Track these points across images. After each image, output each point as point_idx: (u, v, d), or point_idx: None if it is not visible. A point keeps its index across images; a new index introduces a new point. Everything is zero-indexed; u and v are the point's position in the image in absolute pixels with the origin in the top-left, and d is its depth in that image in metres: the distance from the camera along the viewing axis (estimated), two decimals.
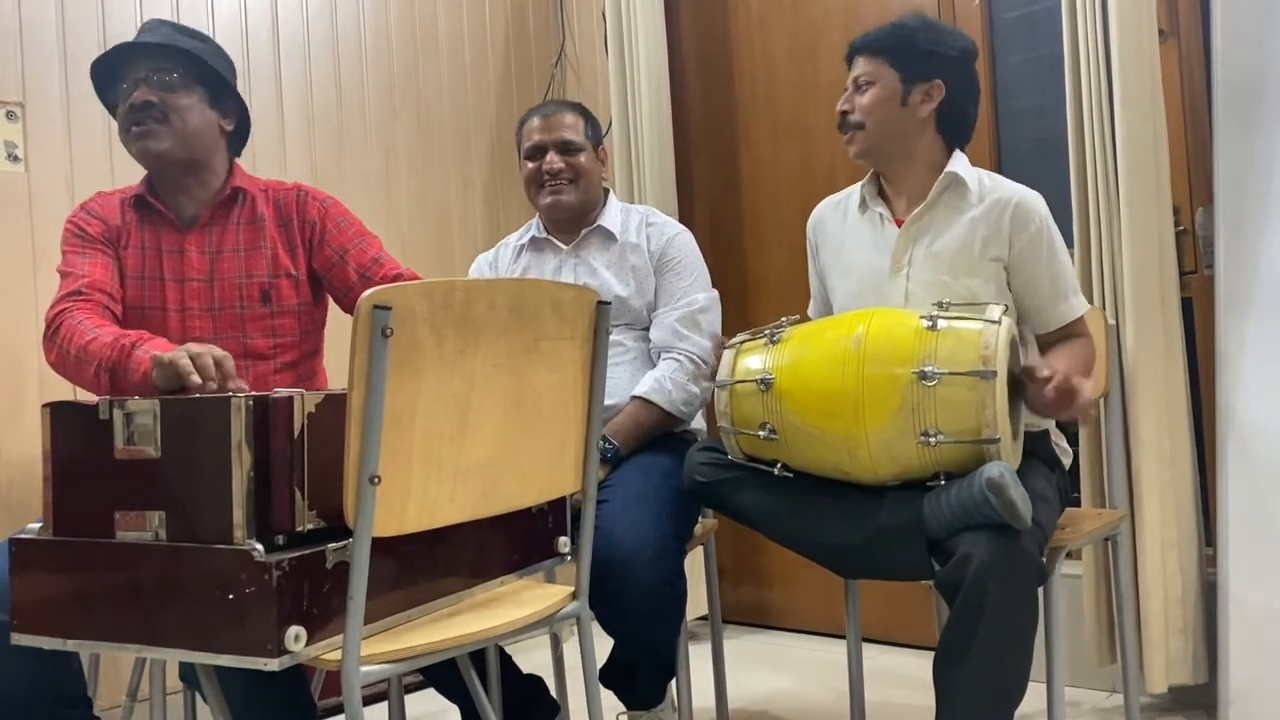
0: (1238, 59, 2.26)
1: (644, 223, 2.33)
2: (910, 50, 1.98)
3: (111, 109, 2.02)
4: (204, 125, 1.99)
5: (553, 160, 2.27)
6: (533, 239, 2.37)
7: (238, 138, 2.10)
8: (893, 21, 2.03)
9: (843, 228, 2.12)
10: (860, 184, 2.11)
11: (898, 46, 1.99)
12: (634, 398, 2.15)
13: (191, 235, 2.00)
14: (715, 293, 2.30)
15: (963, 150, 2.04)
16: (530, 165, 2.31)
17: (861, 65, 2.02)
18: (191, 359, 1.64)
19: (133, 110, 1.93)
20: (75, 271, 1.93)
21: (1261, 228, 2.22)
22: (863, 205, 2.09)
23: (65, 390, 2.36)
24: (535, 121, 2.32)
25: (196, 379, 1.62)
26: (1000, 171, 2.76)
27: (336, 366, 1.84)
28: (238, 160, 2.11)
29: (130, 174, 2.64)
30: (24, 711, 1.69)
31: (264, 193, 2.07)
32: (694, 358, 2.19)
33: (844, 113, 2.03)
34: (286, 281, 2.02)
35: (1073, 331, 2.00)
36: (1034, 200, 1.95)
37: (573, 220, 2.32)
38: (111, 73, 1.98)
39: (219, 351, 1.67)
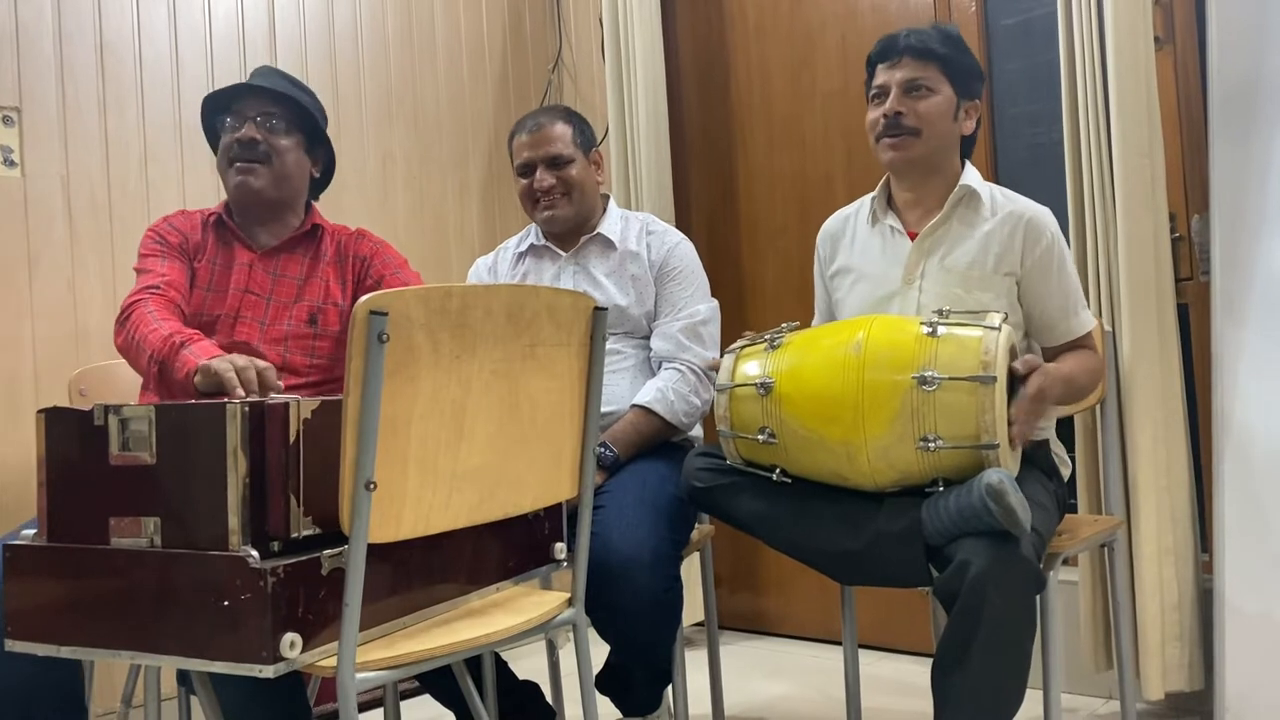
0: (1233, 66, 2.26)
1: (644, 230, 2.32)
2: (960, 64, 1.94)
3: (213, 134, 2.15)
4: (298, 169, 2.13)
5: (543, 177, 2.26)
6: (532, 246, 2.37)
7: (321, 184, 2.23)
8: (936, 27, 1.97)
9: (854, 240, 2.10)
10: (870, 196, 2.09)
11: (951, 57, 1.93)
12: (635, 406, 2.14)
13: (262, 258, 2.12)
14: (715, 303, 2.30)
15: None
16: (522, 182, 2.30)
17: (916, 68, 1.92)
18: (237, 372, 1.73)
19: (240, 146, 2.06)
20: (154, 270, 2.04)
21: (1257, 234, 2.22)
22: (872, 218, 2.07)
23: (61, 395, 2.36)
24: (523, 137, 2.30)
25: (240, 392, 1.70)
26: (997, 178, 2.77)
27: None
28: (315, 203, 2.23)
29: (126, 180, 2.65)
30: (22, 715, 1.69)
31: (331, 234, 2.19)
32: (696, 369, 2.19)
33: (898, 114, 1.92)
34: (333, 309, 2.12)
35: (1080, 345, 1.99)
36: (1045, 216, 1.95)
37: (572, 230, 2.31)
38: (220, 105, 2.11)
39: (261, 363, 1.77)
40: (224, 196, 2.17)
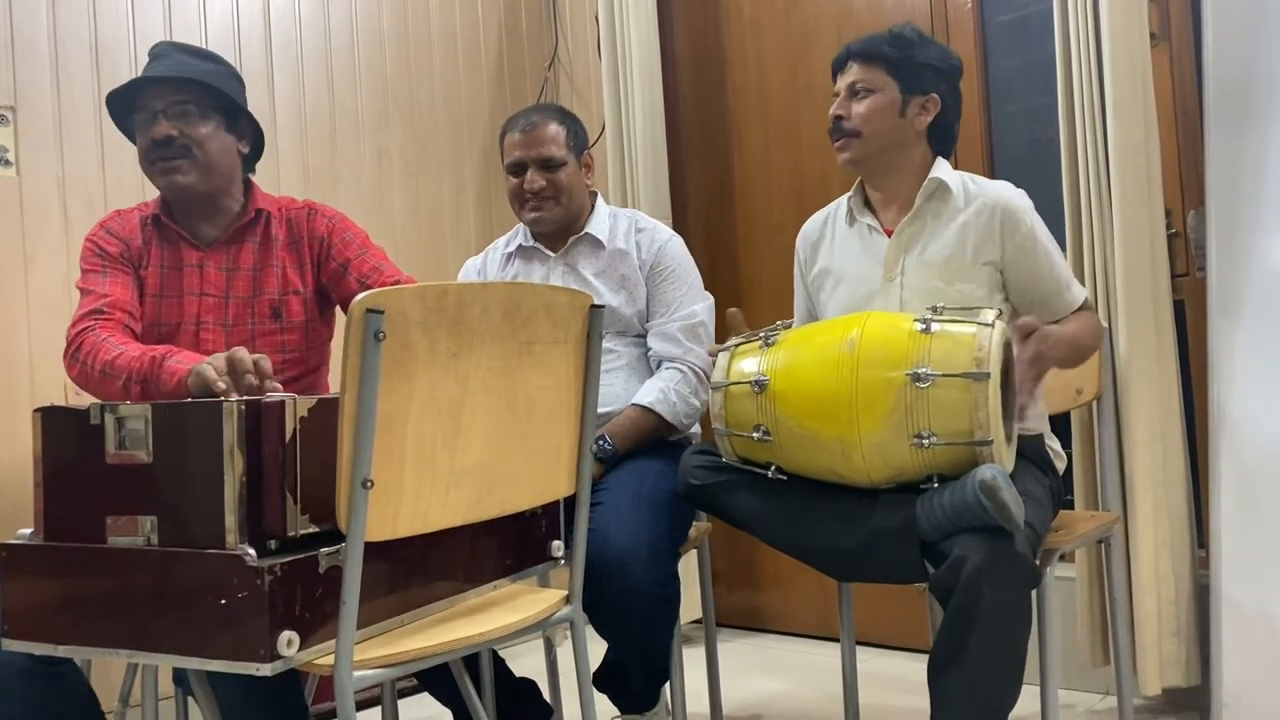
0: (1229, 62, 2.26)
1: (633, 228, 2.31)
2: (909, 62, 1.98)
3: (129, 134, 2.05)
4: (224, 153, 2.02)
5: (534, 179, 2.24)
6: (520, 247, 2.36)
7: (253, 157, 2.13)
8: (891, 30, 2.01)
9: (832, 241, 2.12)
10: (845, 197, 2.11)
11: (898, 57, 1.97)
12: (636, 405, 2.14)
13: (210, 253, 2.05)
14: (711, 300, 2.30)
15: (947, 158, 2.05)
16: (513, 181, 2.28)
17: (858, 72, 1.99)
18: (233, 377, 1.68)
19: (155, 145, 1.96)
20: (96, 290, 1.97)
21: (1253, 229, 2.23)
22: (850, 218, 2.09)
23: (57, 394, 2.35)
24: (516, 135, 2.27)
25: (234, 396, 1.65)
26: (993, 174, 2.77)
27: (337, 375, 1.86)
28: (253, 178, 2.13)
29: (122, 179, 2.65)
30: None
31: (278, 212, 2.11)
32: (697, 369, 2.19)
33: (838, 118, 2.00)
34: (295, 299, 2.07)
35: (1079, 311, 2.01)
36: (1019, 200, 1.96)
37: (559, 230, 2.30)
38: (127, 102, 2.00)
39: (257, 355, 1.71)
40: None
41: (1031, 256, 1.94)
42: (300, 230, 2.09)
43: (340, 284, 2.08)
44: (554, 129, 2.26)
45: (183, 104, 1.96)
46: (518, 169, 2.27)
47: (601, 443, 2.05)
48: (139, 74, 2.03)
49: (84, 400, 1.71)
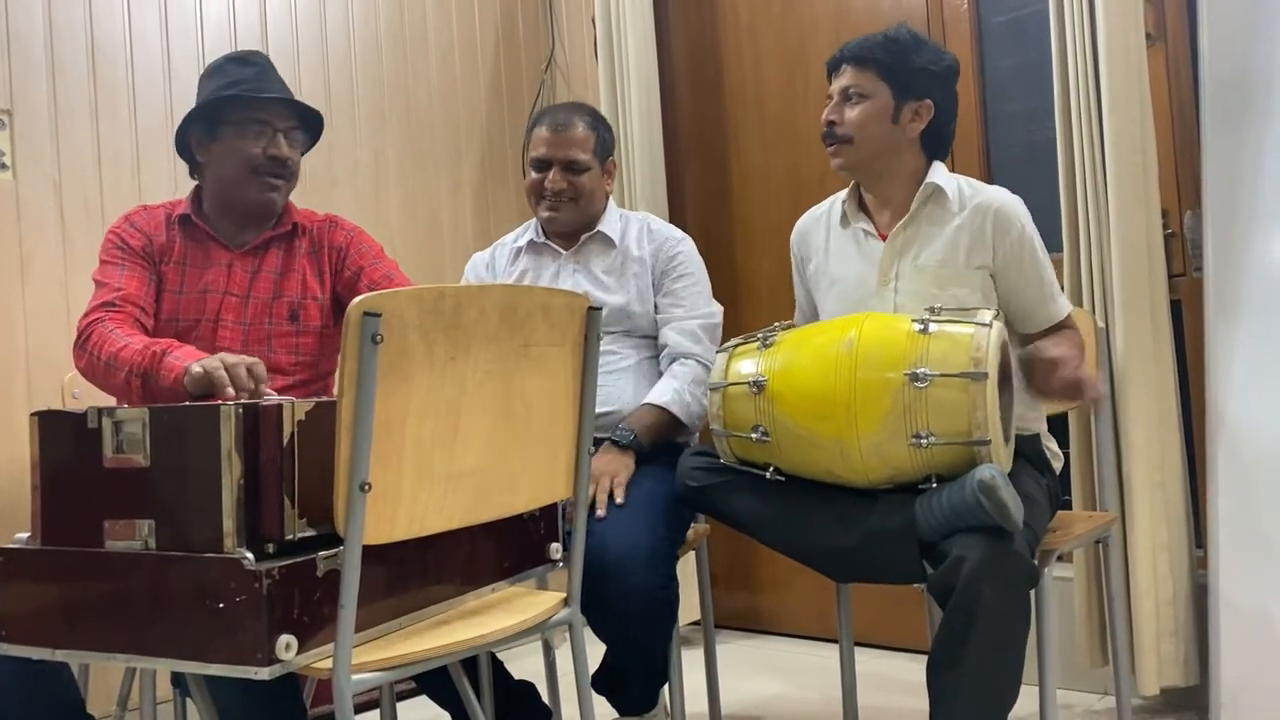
0: (1225, 62, 2.27)
1: (644, 230, 2.33)
2: (904, 67, 1.95)
3: (206, 118, 2.03)
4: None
5: (556, 179, 2.24)
6: (531, 242, 2.36)
7: None
8: (884, 33, 1.99)
9: (826, 241, 2.11)
10: (839, 198, 2.10)
11: (891, 61, 1.95)
12: (650, 404, 2.13)
13: (240, 256, 2.08)
14: (720, 307, 2.31)
15: (942, 161, 2.04)
16: (534, 175, 2.28)
17: (851, 76, 1.98)
18: (227, 370, 1.70)
19: (273, 162, 2.03)
20: (111, 283, 1.99)
21: (1249, 229, 2.23)
22: (844, 220, 2.08)
23: (54, 397, 2.35)
24: (545, 132, 2.27)
25: (231, 392, 1.68)
26: (990, 175, 2.77)
27: None
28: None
29: (119, 182, 2.64)
30: None
31: (303, 222, 2.16)
32: (710, 368, 2.18)
33: (831, 123, 1.99)
34: (313, 304, 2.11)
35: (1060, 326, 2.00)
36: (1014, 205, 1.95)
37: (572, 229, 2.31)
38: (243, 102, 2.01)
39: (249, 359, 1.74)
40: (185, 190, 2.12)
41: (1019, 263, 1.94)
42: (321, 240, 2.14)
43: (353, 291, 2.11)
44: (584, 132, 2.27)
45: (297, 130, 2.07)
46: (542, 165, 2.27)
47: (625, 431, 2.06)
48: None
49: (81, 404, 1.71)
